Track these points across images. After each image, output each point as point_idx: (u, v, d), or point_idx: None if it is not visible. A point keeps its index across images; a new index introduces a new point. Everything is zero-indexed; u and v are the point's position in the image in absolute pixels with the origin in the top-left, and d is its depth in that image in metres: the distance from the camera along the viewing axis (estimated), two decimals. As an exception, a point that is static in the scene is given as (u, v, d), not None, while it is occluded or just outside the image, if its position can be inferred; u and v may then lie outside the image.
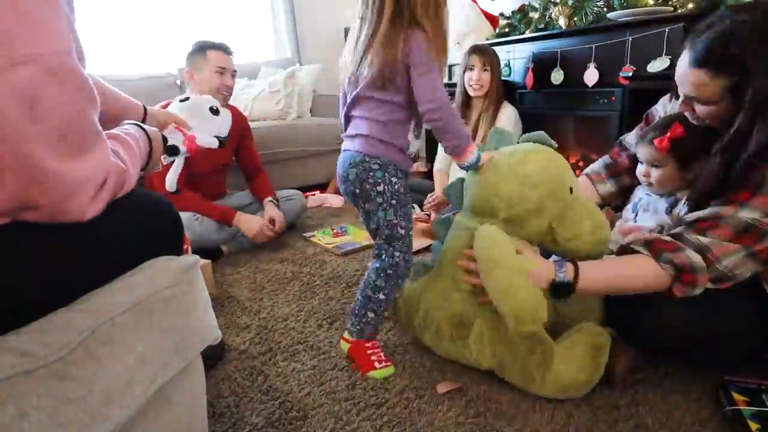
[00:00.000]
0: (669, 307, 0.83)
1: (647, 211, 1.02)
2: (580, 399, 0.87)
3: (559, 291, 0.83)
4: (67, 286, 0.48)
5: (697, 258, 0.78)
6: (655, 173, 0.98)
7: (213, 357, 1.03)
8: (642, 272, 0.82)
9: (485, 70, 1.82)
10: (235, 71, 1.78)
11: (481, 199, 0.92)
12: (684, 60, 0.80)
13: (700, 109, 0.83)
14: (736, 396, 0.80)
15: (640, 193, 1.08)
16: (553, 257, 0.95)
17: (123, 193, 0.53)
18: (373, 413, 0.86)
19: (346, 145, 0.99)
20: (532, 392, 0.87)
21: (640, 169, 1.02)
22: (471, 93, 1.86)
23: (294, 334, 1.15)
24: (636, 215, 1.06)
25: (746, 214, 0.76)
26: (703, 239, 0.79)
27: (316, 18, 3.12)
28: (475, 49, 1.84)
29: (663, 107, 1.08)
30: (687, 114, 0.89)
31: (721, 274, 0.78)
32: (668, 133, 0.92)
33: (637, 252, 0.84)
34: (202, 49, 1.70)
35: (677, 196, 0.97)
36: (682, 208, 0.92)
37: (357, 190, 0.96)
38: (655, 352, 0.95)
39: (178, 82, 2.52)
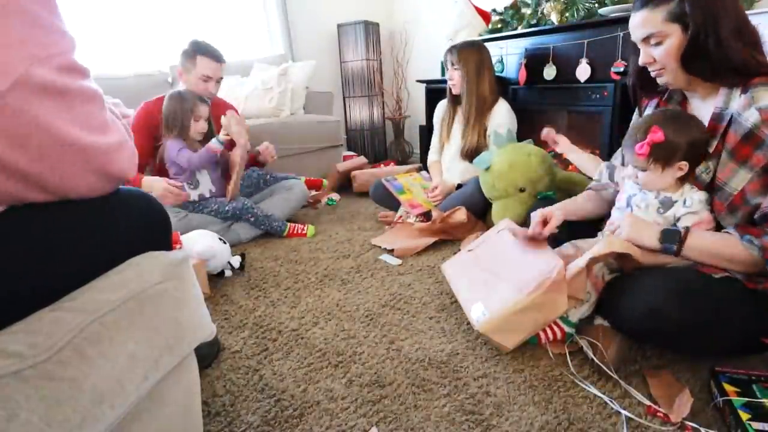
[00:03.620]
0: (659, 296, 0.84)
1: (640, 207, 1.03)
2: (574, 391, 0.88)
3: (668, 237, 0.91)
4: (50, 281, 0.47)
5: None
6: (642, 176, 0.98)
7: (208, 356, 1.02)
8: (730, 249, 0.86)
9: (455, 69, 1.84)
10: (221, 78, 1.81)
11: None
12: (633, 14, 0.93)
13: (657, 53, 0.91)
14: (727, 387, 0.81)
15: (631, 187, 1.07)
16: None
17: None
18: (369, 410, 0.86)
19: None
20: None
21: (629, 171, 1.03)
22: (452, 91, 1.91)
23: (289, 332, 1.15)
24: (631, 210, 1.07)
25: None
26: None
27: (309, 14, 3.11)
28: (449, 48, 1.87)
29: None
30: (650, 68, 0.95)
31: None
32: (647, 138, 0.93)
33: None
34: (194, 52, 1.72)
35: (671, 197, 0.97)
36: (680, 209, 0.95)
37: None
38: (646, 341, 0.96)
39: (170, 80, 2.50)
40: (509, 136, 1.69)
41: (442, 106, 2.06)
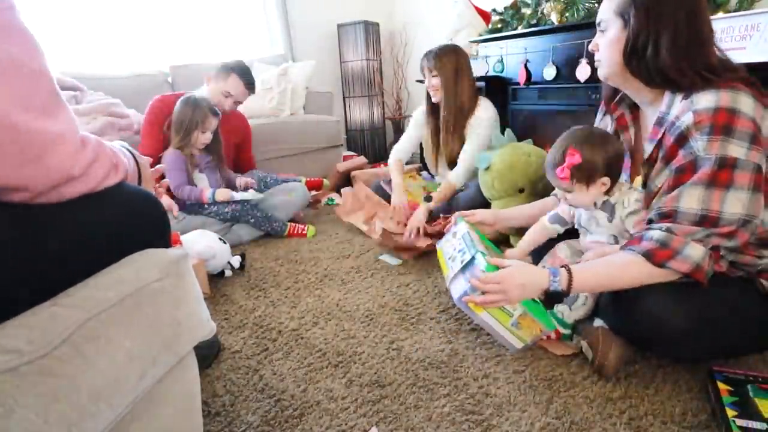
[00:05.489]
0: (658, 301, 0.82)
1: (591, 226, 1.03)
2: (575, 392, 0.88)
3: (553, 295, 0.91)
4: (47, 277, 0.47)
5: (661, 235, 0.79)
6: (569, 197, 0.99)
7: (208, 356, 1.02)
8: (626, 266, 0.84)
9: (434, 75, 1.72)
10: (239, 102, 1.86)
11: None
12: None
13: (600, 41, 0.93)
14: (721, 385, 0.81)
15: (579, 210, 1.07)
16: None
17: (114, 180, 0.54)
18: (369, 410, 0.86)
19: None
20: None
21: (559, 193, 1.04)
22: (432, 99, 1.80)
23: (289, 332, 1.15)
24: (588, 233, 1.07)
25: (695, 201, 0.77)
26: (666, 224, 0.80)
27: (309, 14, 3.11)
28: (425, 54, 1.75)
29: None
30: (595, 56, 0.97)
31: (698, 238, 0.77)
32: (566, 162, 0.93)
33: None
34: (231, 69, 1.78)
35: (610, 200, 0.98)
36: (623, 212, 0.96)
37: None
38: (648, 350, 0.96)
39: (170, 79, 2.50)
40: (509, 137, 1.69)
41: (420, 112, 1.95)
